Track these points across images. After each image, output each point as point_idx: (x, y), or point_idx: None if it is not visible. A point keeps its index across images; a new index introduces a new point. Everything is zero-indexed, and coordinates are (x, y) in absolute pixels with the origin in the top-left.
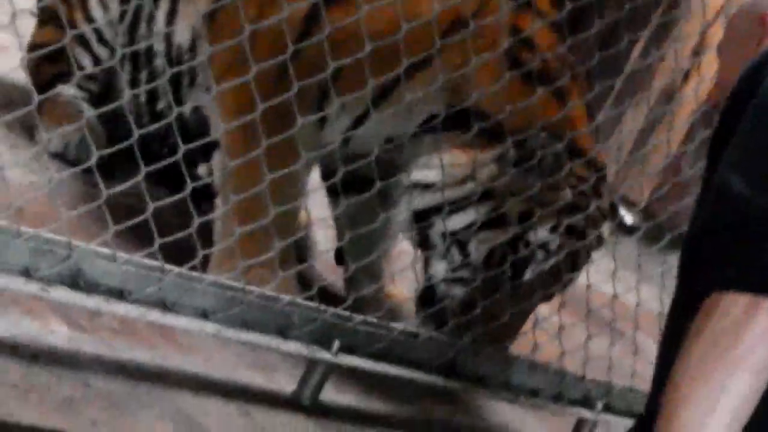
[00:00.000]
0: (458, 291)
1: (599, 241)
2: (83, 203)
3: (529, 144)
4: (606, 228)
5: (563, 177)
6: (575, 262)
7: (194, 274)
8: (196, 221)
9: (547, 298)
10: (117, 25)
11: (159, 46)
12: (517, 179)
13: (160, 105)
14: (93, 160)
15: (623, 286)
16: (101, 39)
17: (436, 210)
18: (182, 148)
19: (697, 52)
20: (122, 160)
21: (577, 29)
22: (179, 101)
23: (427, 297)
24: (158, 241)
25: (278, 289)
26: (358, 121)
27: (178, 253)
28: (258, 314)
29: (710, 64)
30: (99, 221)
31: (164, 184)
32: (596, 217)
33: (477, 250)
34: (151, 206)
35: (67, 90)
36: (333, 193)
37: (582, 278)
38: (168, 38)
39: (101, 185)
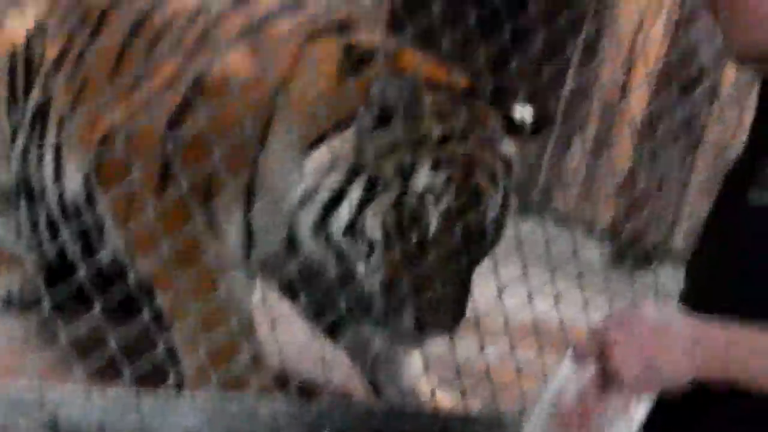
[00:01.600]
0: (377, 277)
1: (507, 165)
2: (46, 347)
3: (377, 97)
4: (509, 146)
5: (424, 112)
6: (478, 193)
7: (172, 393)
8: (161, 344)
9: (480, 249)
10: (9, 147)
11: (50, 187)
12: (378, 138)
13: (69, 248)
14: (46, 307)
15: (599, 314)
16: None
17: (323, 214)
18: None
19: (629, 67)
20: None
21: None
22: (90, 245)
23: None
24: (128, 369)
25: (258, 393)
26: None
27: (153, 378)
28: (244, 423)
29: (643, 79)
30: (64, 363)
31: (122, 312)
32: (484, 140)
33: (372, 228)
34: (112, 339)
35: None
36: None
37: (554, 314)
38: (59, 182)
39: (60, 328)
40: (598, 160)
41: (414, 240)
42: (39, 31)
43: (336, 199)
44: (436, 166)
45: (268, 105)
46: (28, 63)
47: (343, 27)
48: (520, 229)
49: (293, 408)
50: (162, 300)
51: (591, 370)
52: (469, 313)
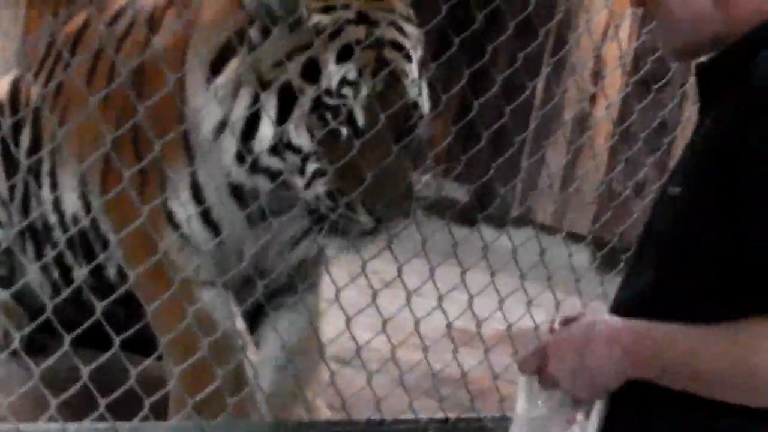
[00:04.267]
0: (320, 187)
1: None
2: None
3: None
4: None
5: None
6: (392, 72)
7: (147, 423)
8: (134, 372)
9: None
10: (9, 204)
11: (52, 219)
12: (271, 46)
13: (75, 273)
14: (16, 343)
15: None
16: None
17: (244, 139)
18: (99, 306)
19: (597, 72)
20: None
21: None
22: (99, 266)
23: (314, 217)
24: (103, 402)
25: (241, 414)
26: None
27: (129, 408)
28: None
29: (613, 83)
30: (43, 399)
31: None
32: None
33: (299, 138)
34: (86, 370)
35: None
36: None
37: (528, 320)
38: (58, 210)
39: (30, 364)
40: (573, 169)
41: (344, 137)
42: (19, 79)
43: (252, 122)
44: (341, 57)
45: (183, 49)
46: (14, 110)
47: None
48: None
49: (270, 428)
50: (149, 314)
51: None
52: (442, 322)
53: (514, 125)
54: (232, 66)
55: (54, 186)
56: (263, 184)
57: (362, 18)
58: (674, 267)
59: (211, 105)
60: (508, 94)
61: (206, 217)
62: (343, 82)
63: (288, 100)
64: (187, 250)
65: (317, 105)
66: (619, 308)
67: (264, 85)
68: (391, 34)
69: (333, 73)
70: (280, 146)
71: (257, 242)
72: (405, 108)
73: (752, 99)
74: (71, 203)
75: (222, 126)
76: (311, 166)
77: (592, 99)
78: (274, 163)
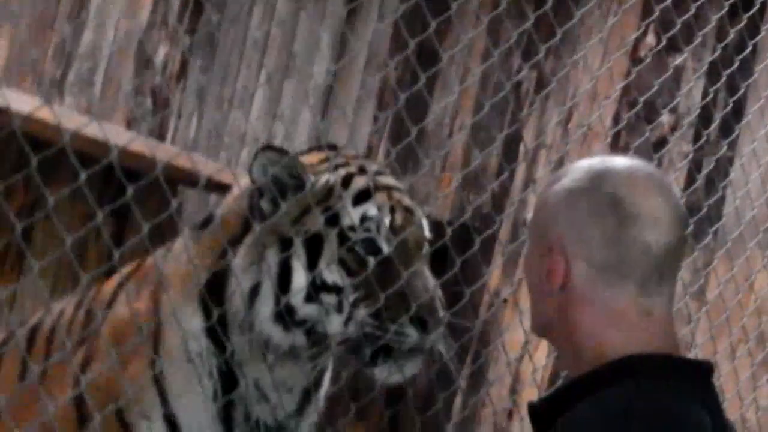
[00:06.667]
0: (363, 311)
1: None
2: None
3: (261, 179)
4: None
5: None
6: (406, 207)
7: None
8: None
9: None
10: None
11: None
12: (284, 210)
13: None
14: None
15: None
16: None
17: (277, 295)
18: None
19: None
20: None
21: None
22: None
23: (356, 348)
24: None
25: None
26: None
27: None
28: None
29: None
30: None
31: None
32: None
33: (333, 276)
34: None
35: None
36: None
37: None
38: None
39: None
40: None
41: (374, 264)
42: None
43: (284, 276)
44: (357, 201)
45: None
46: None
47: None
48: None
49: None
50: None
51: None
52: None
53: None
54: (248, 242)
55: None
56: (300, 339)
57: (364, 171)
58: None
59: (238, 281)
60: None
61: None
62: (364, 218)
63: (314, 246)
64: None
65: (343, 241)
66: None
67: (286, 242)
68: (394, 182)
69: (352, 213)
70: (314, 292)
71: None
72: (422, 238)
73: None
74: None
75: (255, 291)
76: (349, 298)
77: (509, 415)
78: (311, 311)
